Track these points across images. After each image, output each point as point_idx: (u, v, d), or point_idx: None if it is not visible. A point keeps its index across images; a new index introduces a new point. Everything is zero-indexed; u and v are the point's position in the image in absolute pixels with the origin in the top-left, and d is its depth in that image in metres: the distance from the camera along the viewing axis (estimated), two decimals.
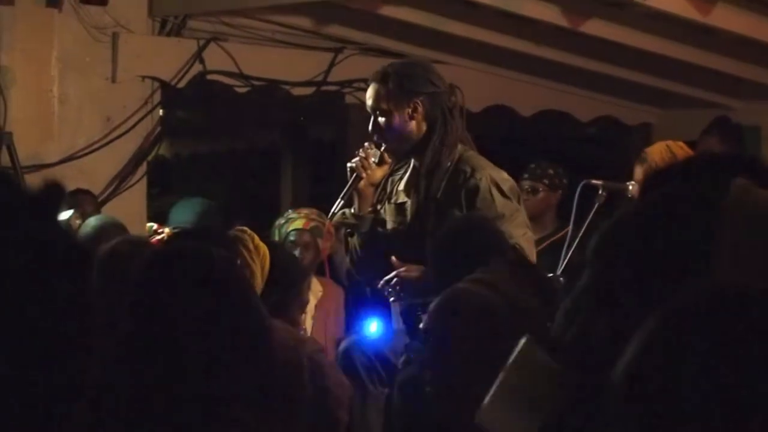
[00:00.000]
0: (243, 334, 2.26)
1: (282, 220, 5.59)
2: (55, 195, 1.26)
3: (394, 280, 4.34)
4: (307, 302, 4.58)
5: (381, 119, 4.47)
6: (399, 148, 4.54)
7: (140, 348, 2.23)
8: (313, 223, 5.51)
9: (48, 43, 6.36)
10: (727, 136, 6.31)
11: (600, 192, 5.23)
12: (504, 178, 4.45)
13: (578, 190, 5.32)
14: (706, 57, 7.25)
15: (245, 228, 3.69)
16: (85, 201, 5.92)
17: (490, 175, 4.40)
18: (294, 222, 5.54)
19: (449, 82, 4.59)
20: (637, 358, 1.33)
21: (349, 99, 7.38)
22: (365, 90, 4.65)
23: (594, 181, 5.28)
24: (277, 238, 5.38)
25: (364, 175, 4.56)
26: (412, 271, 4.32)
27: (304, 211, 5.65)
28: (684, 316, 1.33)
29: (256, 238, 3.63)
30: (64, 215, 4.85)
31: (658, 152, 5.12)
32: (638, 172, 5.13)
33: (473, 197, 4.36)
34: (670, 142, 5.20)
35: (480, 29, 7.11)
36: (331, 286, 5.57)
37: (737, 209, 1.72)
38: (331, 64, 7.25)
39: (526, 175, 6.47)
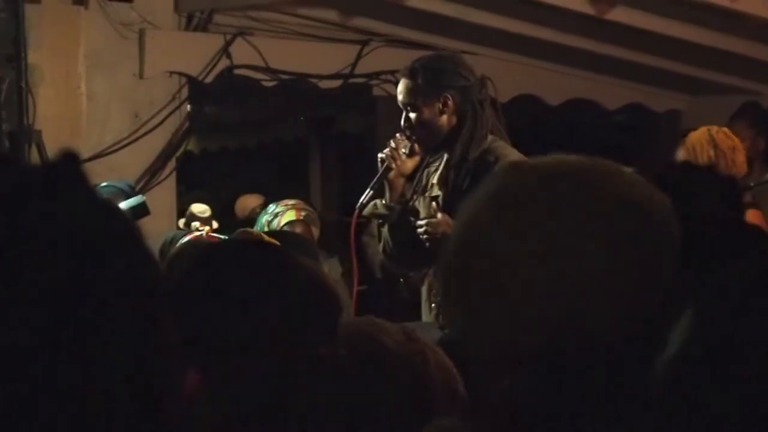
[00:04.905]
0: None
1: (269, 217, 5.52)
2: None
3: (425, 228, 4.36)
4: None
5: (412, 114, 4.48)
6: (429, 142, 4.55)
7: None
8: (304, 212, 5.51)
9: (75, 40, 6.38)
10: (755, 121, 6.36)
11: None
12: None
13: None
14: (734, 42, 7.21)
15: (249, 229, 3.60)
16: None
17: None
18: (285, 215, 5.51)
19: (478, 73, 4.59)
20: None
21: (376, 91, 7.37)
22: (392, 82, 4.68)
23: None
24: None
25: (394, 165, 4.57)
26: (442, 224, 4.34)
27: (290, 202, 5.63)
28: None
29: (264, 237, 3.52)
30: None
31: (697, 138, 5.14)
32: (680, 155, 5.19)
33: None
34: (713, 128, 5.21)
35: (506, 19, 7.09)
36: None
37: None
38: (358, 57, 7.25)
39: None
